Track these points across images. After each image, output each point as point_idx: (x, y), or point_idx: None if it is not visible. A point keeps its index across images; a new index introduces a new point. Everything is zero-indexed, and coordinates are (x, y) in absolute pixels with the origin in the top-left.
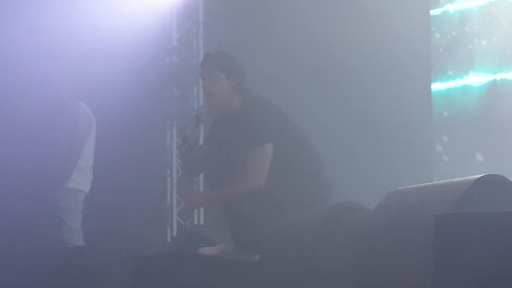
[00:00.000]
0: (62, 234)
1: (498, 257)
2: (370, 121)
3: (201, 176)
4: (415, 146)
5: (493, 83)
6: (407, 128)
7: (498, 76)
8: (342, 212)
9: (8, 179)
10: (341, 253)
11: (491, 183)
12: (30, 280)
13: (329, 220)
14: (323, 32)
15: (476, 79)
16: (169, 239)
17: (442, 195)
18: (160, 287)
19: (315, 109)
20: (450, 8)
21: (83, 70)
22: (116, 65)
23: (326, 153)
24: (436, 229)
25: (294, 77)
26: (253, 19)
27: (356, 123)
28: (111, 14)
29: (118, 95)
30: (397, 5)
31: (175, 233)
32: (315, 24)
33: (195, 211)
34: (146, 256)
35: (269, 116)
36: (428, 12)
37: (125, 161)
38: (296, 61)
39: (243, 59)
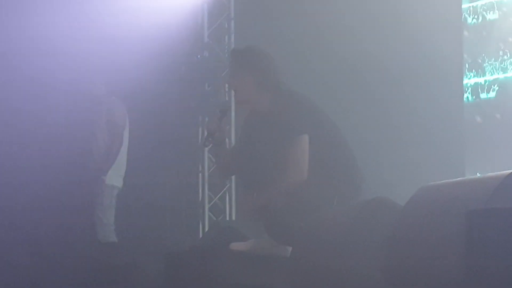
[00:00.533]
0: (97, 230)
1: None
2: (400, 116)
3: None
4: (446, 141)
5: None
6: (439, 124)
7: None
8: (373, 208)
9: (47, 174)
10: (373, 250)
11: None
12: (64, 275)
13: (361, 216)
14: (356, 28)
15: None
16: (201, 235)
17: (474, 190)
18: (193, 282)
19: (348, 105)
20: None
21: (116, 67)
22: (148, 61)
23: (358, 148)
24: (468, 225)
25: (326, 73)
26: (284, 14)
27: (387, 118)
28: (143, 12)
29: (150, 91)
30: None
31: (207, 228)
32: (347, 20)
33: (227, 207)
34: (179, 252)
35: (302, 108)
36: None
37: (157, 157)
38: (328, 57)
39: (275, 55)
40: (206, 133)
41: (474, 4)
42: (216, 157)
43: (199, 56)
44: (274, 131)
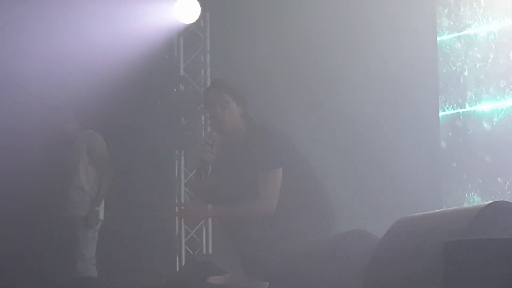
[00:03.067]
0: (77, 263)
1: (509, 285)
2: (377, 148)
3: None
4: (421, 173)
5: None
6: (414, 156)
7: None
8: (351, 240)
9: (30, 210)
10: (350, 281)
11: (499, 209)
12: None
13: (338, 248)
14: (332, 61)
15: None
16: (177, 269)
17: (451, 222)
18: None
19: (320, 136)
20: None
21: (91, 101)
22: (124, 95)
23: (335, 179)
24: (446, 256)
25: (300, 106)
26: (260, 47)
27: (364, 150)
28: (117, 44)
29: (126, 125)
30: (405, 32)
31: (183, 262)
32: (322, 53)
33: (203, 241)
34: (156, 286)
35: (276, 141)
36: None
37: (134, 190)
38: (302, 90)
39: (251, 87)
40: (199, 163)
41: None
42: (195, 186)
43: (175, 89)
44: (249, 161)
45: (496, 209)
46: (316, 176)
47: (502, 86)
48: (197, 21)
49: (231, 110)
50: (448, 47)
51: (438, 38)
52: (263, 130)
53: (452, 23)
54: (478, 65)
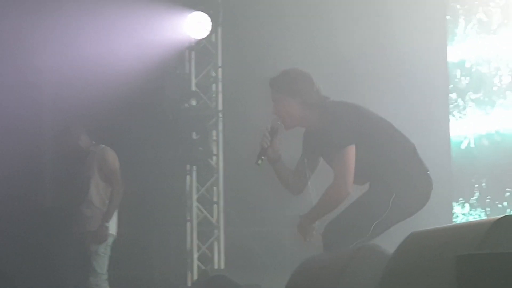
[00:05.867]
0: (89, 279)
1: None
2: None
3: None
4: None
5: None
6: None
7: None
8: (363, 255)
9: (43, 226)
10: None
11: (511, 223)
12: None
13: (351, 264)
14: (343, 73)
15: None
16: (189, 284)
17: (464, 236)
18: None
19: None
20: None
21: (102, 116)
22: (136, 110)
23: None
24: (459, 270)
25: None
26: (271, 61)
27: None
28: (130, 60)
29: (138, 139)
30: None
31: (195, 277)
32: (331, 65)
33: (215, 255)
34: None
35: (344, 118)
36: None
37: (146, 205)
38: None
39: (263, 101)
40: (259, 150)
41: None
42: (277, 175)
43: (186, 104)
44: (323, 144)
45: (508, 222)
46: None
47: None
48: (208, 36)
49: (285, 105)
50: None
51: None
52: (330, 112)
53: None
54: None
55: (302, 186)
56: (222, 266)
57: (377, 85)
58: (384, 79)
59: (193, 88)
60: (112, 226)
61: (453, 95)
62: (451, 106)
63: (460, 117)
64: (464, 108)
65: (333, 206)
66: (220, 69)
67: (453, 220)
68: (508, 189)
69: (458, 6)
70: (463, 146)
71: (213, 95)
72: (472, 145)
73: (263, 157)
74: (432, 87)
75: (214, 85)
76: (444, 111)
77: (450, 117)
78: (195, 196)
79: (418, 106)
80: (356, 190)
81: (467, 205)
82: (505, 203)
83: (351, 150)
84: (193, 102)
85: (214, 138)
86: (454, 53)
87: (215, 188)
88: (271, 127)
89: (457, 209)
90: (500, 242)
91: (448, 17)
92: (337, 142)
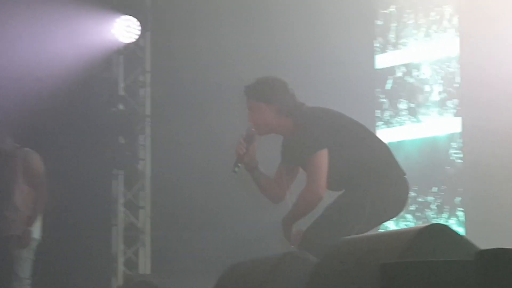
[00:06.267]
0: (12, 284)
1: None
2: None
3: None
4: None
5: None
6: None
7: None
8: (289, 261)
9: None
10: None
11: (435, 232)
12: None
13: (277, 269)
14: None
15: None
16: None
17: (389, 244)
18: None
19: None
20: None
21: (27, 119)
22: (61, 113)
23: None
24: (383, 278)
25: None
26: (199, 67)
27: None
28: (56, 63)
29: (63, 143)
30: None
31: (120, 282)
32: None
33: (141, 260)
34: None
35: (316, 123)
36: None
37: (71, 209)
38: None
39: (191, 106)
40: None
41: None
42: (256, 183)
43: (114, 108)
44: (297, 151)
45: (433, 231)
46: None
47: None
48: (137, 40)
49: (261, 112)
50: None
51: None
52: (303, 118)
53: None
54: None
55: (282, 195)
56: (148, 271)
57: (307, 92)
58: (312, 84)
59: (121, 92)
60: (36, 230)
61: (383, 102)
62: (379, 112)
63: (388, 124)
64: (394, 116)
65: (306, 210)
66: (148, 74)
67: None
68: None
69: (388, 11)
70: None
71: (141, 99)
72: (400, 152)
73: (239, 165)
74: (359, 94)
75: (142, 90)
76: (371, 118)
77: (379, 123)
78: (121, 201)
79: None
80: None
81: None
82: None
83: (323, 154)
84: (121, 107)
85: (142, 143)
86: (384, 60)
87: (141, 193)
88: (247, 134)
89: None
90: (425, 250)
91: (379, 22)
92: (309, 147)
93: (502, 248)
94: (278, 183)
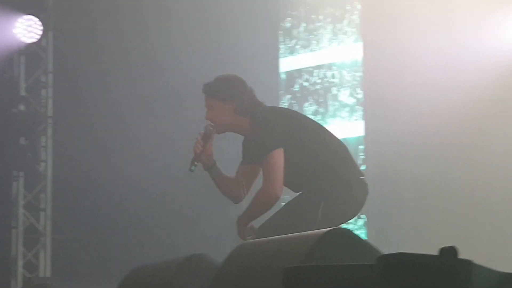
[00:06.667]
0: None
1: None
2: None
3: None
4: None
5: None
6: None
7: None
8: (192, 264)
9: None
10: None
11: (338, 236)
12: None
13: (180, 272)
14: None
15: None
16: None
17: (293, 247)
18: None
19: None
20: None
21: None
22: None
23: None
24: (285, 282)
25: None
26: (105, 67)
27: None
28: None
29: None
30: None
31: (19, 285)
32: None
33: (41, 263)
34: None
35: (271, 123)
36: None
37: None
38: (149, 108)
39: (93, 106)
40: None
41: None
42: (214, 181)
43: (15, 109)
44: (255, 149)
45: (335, 235)
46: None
47: None
48: (38, 40)
49: (218, 110)
50: None
51: None
52: (260, 117)
53: None
54: None
55: (242, 194)
56: (48, 274)
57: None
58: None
59: (22, 93)
60: None
61: (293, 103)
62: None
63: None
64: None
65: (263, 209)
66: (50, 74)
67: None
68: None
69: (295, 13)
70: None
71: (43, 100)
72: None
73: (196, 163)
74: (263, 97)
75: (44, 91)
76: None
77: None
78: (21, 203)
79: None
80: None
81: None
82: None
83: (279, 154)
84: (22, 107)
85: (43, 144)
86: (290, 64)
87: (42, 195)
88: (204, 132)
89: None
90: (328, 254)
91: (288, 24)
92: (265, 146)
93: (403, 252)
94: (238, 182)
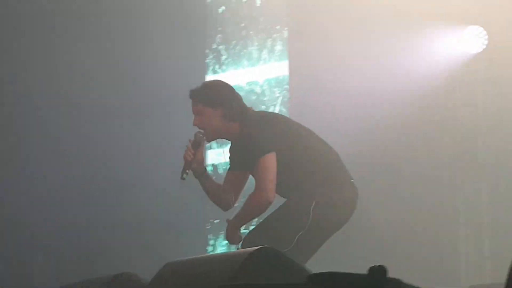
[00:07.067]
0: None
1: None
2: None
3: None
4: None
5: None
6: None
7: None
8: (119, 283)
9: None
10: None
11: (266, 255)
12: None
13: None
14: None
15: None
16: None
17: (222, 266)
18: None
19: None
20: None
21: None
22: None
23: None
24: None
25: None
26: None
27: None
28: None
29: None
30: None
31: None
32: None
33: None
34: None
35: (261, 127)
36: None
37: None
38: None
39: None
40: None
41: None
42: (204, 189)
43: None
44: (245, 154)
45: (263, 254)
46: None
47: None
48: None
49: (207, 116)
50: None
51: None
52: (250, 123)
53: None
54: None
55: (231, 201)
56: None
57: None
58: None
59: None
60: None
61: None
62: None
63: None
64: None
65: (255, 214)
66: None
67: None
68: None
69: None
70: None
71: None
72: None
73: (188, 171)
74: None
75: None
76: None
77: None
78: None
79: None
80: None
81: None
82: None
83: (271, 158)
84: None
85: None
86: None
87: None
88: (194, 140)
89: None
90: (255, 273)
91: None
92: (257, 150)
93: (333, 272)
94: (226, 189)
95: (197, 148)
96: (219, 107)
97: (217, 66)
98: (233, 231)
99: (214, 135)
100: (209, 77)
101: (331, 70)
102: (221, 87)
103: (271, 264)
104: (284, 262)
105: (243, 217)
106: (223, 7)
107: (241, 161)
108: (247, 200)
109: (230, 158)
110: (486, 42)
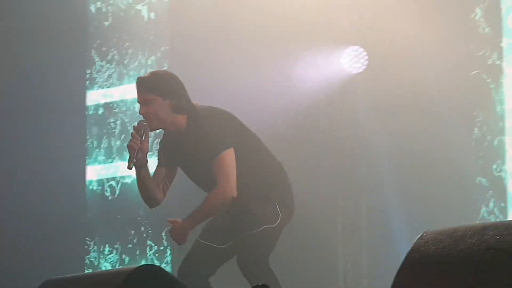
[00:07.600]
0: None
1: None
2: None
3: None
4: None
5: None
6: None
7: None
8: None
9: None
10: None
11: (147, 272)
12: None
13: None
14: None
15: None
16: None
17: (103, 283)
18: None
19: None
20: None
21: None
22: None
23: None
24: None
25: None
26: None
27: None
28: None
29: None
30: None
31: None
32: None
33: None
34: None
35: (219, 122)
36: None
37: None
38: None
39: None
40: (129, 153)
41: None
42: (139, 182)
43: None
44: (197, 149)
45: (144, 272)
46: (270, 153)
47: None
48: None
49: (156, 106)
50: None
51: None
52: (202, 117)
53: None
54: None
55: (159, 199)
56: None
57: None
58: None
59: None
60: None
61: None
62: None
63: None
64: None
65: (217, 210)
66: None
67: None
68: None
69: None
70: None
71: None
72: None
73: (135, 160)
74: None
75: None
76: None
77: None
78: None
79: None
80: None
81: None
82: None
83: (231, 153)
84: None
85: None
86: (99, 96)
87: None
88: (138, 127)
89: None
90: None
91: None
92: (215, 146)
93: None
94: (158, 185)
95: (143, 136)
96: (168, 98)
97: (101, 80)
98: (187, 232)
99: (158, 125)
100: (91, 93)
101: (212, 88)
102: (170, 77)
103: (152, 281)
104: (166, 279)
105: (202, 216)
106: (110, 20)
107: (177, 157)
108: (209, 196)
109: (162, 153)
110: (366, 62)
